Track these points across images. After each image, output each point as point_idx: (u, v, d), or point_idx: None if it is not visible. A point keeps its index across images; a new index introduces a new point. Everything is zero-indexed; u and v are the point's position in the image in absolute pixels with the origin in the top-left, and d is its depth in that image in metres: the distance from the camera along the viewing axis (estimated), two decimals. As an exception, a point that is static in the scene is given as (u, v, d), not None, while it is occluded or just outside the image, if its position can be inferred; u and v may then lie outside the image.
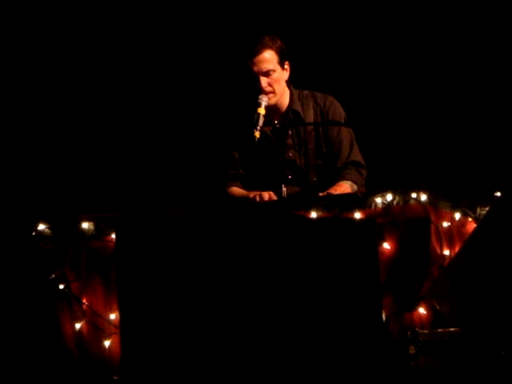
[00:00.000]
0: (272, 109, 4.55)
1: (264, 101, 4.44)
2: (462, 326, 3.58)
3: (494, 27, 5.42)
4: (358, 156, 4.59)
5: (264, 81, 4.49)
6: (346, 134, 4.59)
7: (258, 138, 4.34)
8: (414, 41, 5.52)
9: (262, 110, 4.40)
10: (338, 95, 4.70)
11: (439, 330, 3.60)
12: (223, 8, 5.65)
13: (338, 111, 4.63)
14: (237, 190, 4.62)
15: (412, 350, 3.52)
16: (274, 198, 4.34)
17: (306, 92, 4.68)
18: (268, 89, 4.50)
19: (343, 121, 4.60)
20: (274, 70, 4.50)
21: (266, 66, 4.49)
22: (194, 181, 5.59)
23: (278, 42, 4.54)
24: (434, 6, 5.49)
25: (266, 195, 4.34)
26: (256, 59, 4.49)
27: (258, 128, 4.34)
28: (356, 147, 4.60)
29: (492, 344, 3.47)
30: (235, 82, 5.00)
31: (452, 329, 3.59)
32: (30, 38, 5.59)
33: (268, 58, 4.50)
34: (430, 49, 5.52)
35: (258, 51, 4.48)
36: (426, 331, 3.60)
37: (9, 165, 5.47)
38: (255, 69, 4.49)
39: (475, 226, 3.88)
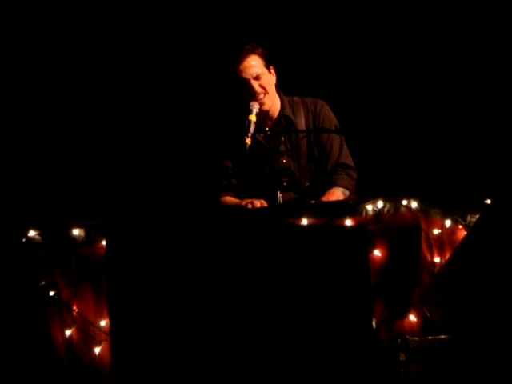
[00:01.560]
0: (264, 116, 4.57)
1: (255, 108, 4.45)
2: (452, 333, 3.58)
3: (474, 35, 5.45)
4: (347, 158, 4.61)
5: (255, 84, 4.51)
6: (335, 136, 4.60)
7: (250, 145, 4.34)
8: (406, 48, 5.53)
9: (253, 117, 4.41)
10: (330, 102, 4.71)
11: (429, 338, 3.60)
12: (214, 16, 5.66)
13: (329, 115, 4.65)
14: (229, 199, 4.62)
15: (402, 358, 3.52)
16: (266, 205, 4.34)
17: (295, 98, 4.70)
18: (261, 90, 4.52)
19: (334, 124, 4.61)
20: (262, 73, 4.54)
21: (254, 71, 4.52)
22: (186, 187, 5.58)
23: (260, 48, 4.59)
24: (422, 14, 5.51)
25: (258, 203, 4.33)
26: (243, 66, 4.52)
27: (249, 135, 4.35)
28: (345, 149, 4.62)
29: (482, 351, 3.48)
30: (227, 91, 5.01)
31: (442, 336, 3.59)
32: (30, 38, 5.58)
33: (254, 63, 4.54)
34: (421, 58, 5.53)
35: (243, 57, 4.52)
36: (417, 338, 3.60)
37: (-1, 171, 5.47)
38: (244, 75, 4.51)
39: (466, 233, 3.88)
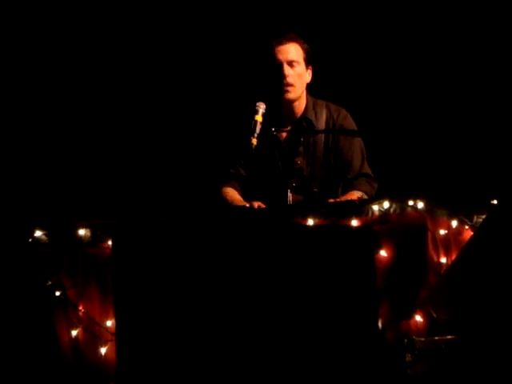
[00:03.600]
0: (287, 114, 4.55)
1: (261, 108, 4.43)
2: (458, 333, 3.58)
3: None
4: (368, 169, 4.60)
5: (287, 69, 4.47)
6: (357, 146, 4.59)
7: (255, 146, 4.33)
8: (411, 51, 5.54)
9: (259, 118, 4.39)
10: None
11: (436, 338, 3.60)
12: (227, 11, 5.66)
13: (351, 125, 4.62)
14: (231, 193, 4.58)
15: (408, 358, 3.52)
16: (263, 206, 4.31)
17: (320, 101, 4.66)
18: (290, 80, 4.48)
19: (354, 135, 4.59)
20: (298, 63, 4.50)
21: (291, 56, 4.49)
22: (191, 187, 5.58)
23: (305, 43, 4.56)
24: (434, 19, 5.51)
25: (256, 204, 4.30)
26: (282, 47, 4.49)
27: (255, 135, 4.34)
28: (366, 161, 4.60)
29: (488, 352, 3.47)
30: (239, 88, 5.02)
31: (449, 336, 3.59)
32: (30, 37, 5.59)
33: (294, 49, 4.51)
34: (427, 60, 5.53)
35: (286, 41, 4.50)
36: (423, 339, 3.60)
37: (5, 171, 5.47)
38: (280, 57, 4.48)
39: (472, 233, 3.88)
